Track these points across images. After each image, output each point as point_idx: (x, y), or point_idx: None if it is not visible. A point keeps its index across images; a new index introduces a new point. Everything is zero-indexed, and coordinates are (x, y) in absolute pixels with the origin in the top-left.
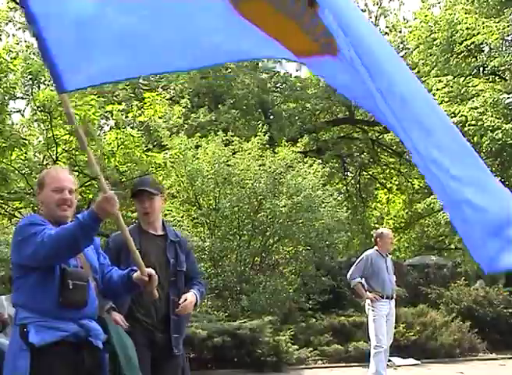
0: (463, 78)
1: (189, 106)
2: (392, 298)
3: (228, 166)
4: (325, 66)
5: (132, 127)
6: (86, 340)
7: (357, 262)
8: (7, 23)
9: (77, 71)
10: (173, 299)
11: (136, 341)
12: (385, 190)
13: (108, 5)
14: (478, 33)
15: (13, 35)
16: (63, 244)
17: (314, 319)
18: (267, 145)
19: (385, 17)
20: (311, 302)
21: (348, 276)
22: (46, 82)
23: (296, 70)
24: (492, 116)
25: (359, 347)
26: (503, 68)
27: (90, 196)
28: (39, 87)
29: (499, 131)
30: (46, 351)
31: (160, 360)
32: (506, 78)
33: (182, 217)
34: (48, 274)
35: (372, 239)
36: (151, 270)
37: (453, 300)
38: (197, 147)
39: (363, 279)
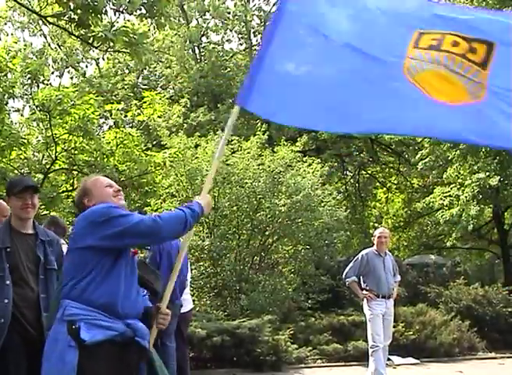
0: None
1: (188, 105)
2: (389, 298)
3: (227, 165)
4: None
5: (131, 126)
6: (133, 340)
7: (353, 260)
8: (6, 23)
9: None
10: (43, 297)
11: (12, 339)
12: (385, 189)
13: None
14: None
15: (12, 34)
16: (174, 224)
17: (313, 319)
18: (266, 144)
19: None
20: (310, 301)
21: (343, 274)
22: (45, 81)
23: None
24: None
25: (358, 346)
26: None
27: None
28: (38, 86)
29: None
30: (94, 349)
31: (35, 358)
32: None
33: None
34: (119, 262)
35: (371, 238)
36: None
37: (452, 299)
38: (196, 146)
39: (361, 277)
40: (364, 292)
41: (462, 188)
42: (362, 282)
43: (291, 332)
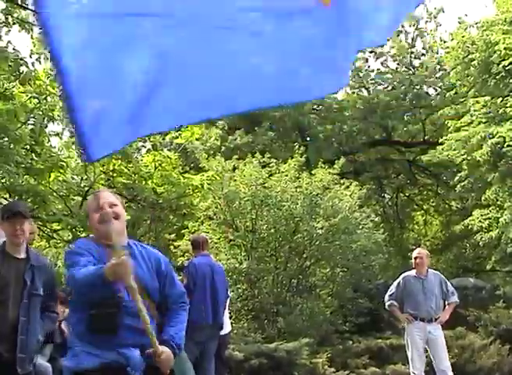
0: (501, 99)
1: (226, 128)
2: (431, 321)
3: (265, 187)
4: None
5: (169, 149)
6: (125, 369)
7: (393, 284)
8: (45, 47)
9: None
10: (23, 320)
11: None
12: (423, 211)
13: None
14: None
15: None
16: (86, 288)
17: (351, 342)
18: (304, 167)
19: (421, 38)
20: (348, 325)
21: (385, 297)
22: None
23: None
24: None
25: (397, 370)
26: None
27: (128, 217)
28: None
29: None
30: None
31: None
32: None
33: (219, 239)
34: (82, 304)
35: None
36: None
37: (491, 322)
38: (234, 169)
39: (404, 301)
40: (403, 315)
41: (501, 210)
42: (406, 306)
43: (329, 355)
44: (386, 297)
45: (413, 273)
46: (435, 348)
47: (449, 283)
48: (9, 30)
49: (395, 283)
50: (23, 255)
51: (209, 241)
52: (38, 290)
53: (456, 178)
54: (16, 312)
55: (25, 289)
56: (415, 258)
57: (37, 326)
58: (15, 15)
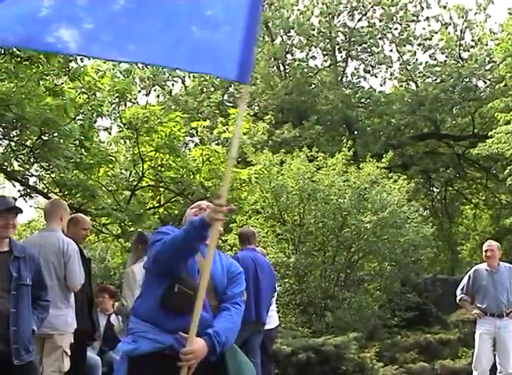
0: None
1: (273, 122)
2: (501, 316)
3: (312, 181)
4: None
5: (217, 144)
6: (175, 357)
7: (464, 277)
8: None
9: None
10: (13, 311)
11: None
12: (472, 205)
13: None
14: None
15: None
16: (178, 245)
17: (399, 336)
18: (351, 161)
19: (470, 30)
20: (396, 319)
21: (456, 292)
22: (132, 100)
23: (381, 85)
24: None
25: (446, 365)
26: None
27: (176, 211)
28: (125, 104)
29: None
30: (141, 361)
31: (2, 371)
32: None
33: (266, 233)
34: (161, 279)
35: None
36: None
37: None
38: (281, 163)
39: (474, 294)
40: (475, 310)
41: None
42: (476, 300)
43: (377, 350)
44: (458, 291)
45: (484, 265)
46: (503, 348)
47: None
48: None
49: (466, 276)
50: (5, 248)
51: (257, 234)
52: (26, 280)
53: (506, 171)
54: (6, 304)
55: (12, 281)
56: (485, 250)
57: (29, 316)
58: None
